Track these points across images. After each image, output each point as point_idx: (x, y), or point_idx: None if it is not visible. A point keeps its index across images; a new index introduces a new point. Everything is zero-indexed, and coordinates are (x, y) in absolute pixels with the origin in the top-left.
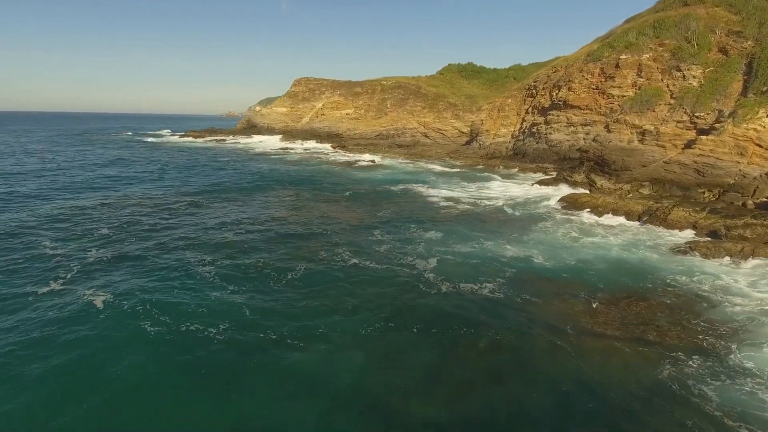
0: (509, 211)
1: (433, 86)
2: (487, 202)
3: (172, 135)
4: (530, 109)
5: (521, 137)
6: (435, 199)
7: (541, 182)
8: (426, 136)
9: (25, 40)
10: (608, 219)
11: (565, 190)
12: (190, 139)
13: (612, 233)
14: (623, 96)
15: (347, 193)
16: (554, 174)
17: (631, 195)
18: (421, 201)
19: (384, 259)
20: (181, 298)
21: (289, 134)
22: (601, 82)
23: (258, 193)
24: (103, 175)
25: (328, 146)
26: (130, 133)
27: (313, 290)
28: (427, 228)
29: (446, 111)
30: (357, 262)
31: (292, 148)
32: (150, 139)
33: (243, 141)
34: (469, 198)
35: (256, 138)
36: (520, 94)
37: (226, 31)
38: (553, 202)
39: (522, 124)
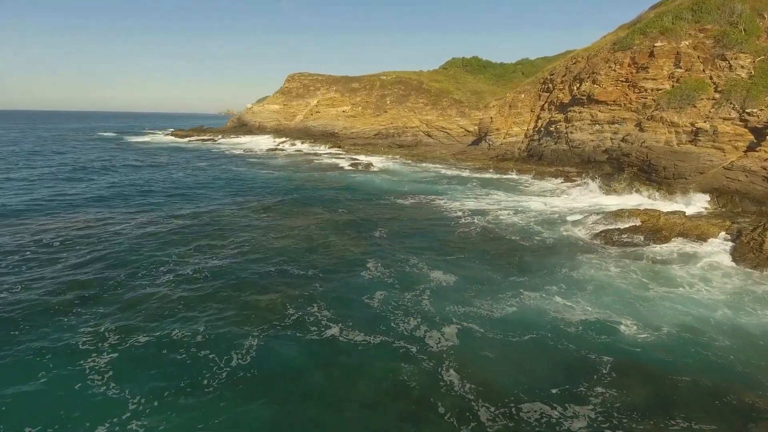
0: (541, 232)
1: (436, 81)
2: (511, 218)
3: (156, 134)
4: (546, 106)
5: (536, 137)
6: (446, 215)
7: (570, 190)
8: (429, 136)
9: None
10: (677, 246)
11: (603, 200)
12: (172, 138)
13: (699, 276)
14: (658, 89)
15: (339, 209)
16: (579, 179)
17: (689, 210)
18: (428, 216)
19: (376, 326)
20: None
21: (281, 133)
22: (631, 73)
23: (223, 210)
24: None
25: (323, 147)
26: (112, 133)
27: (261, 401)
28: (436, 262)
29: (451, 108)
30: (336, 332)
31: (282, 150)
32: (133, 139)
33: (229, 141)
34: (488, 211)
35: (245, 138)
36: (534, 89)
37: (225, 29)
38: (593, 220)
39: (537, 122)
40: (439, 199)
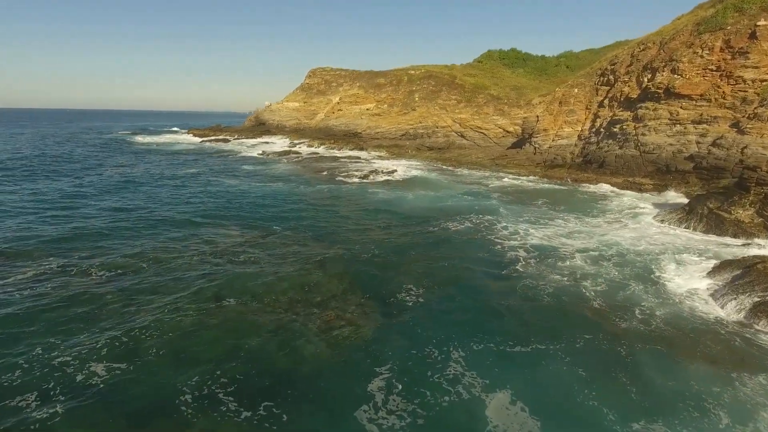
0: (650, 302)
1: (471, 76)
2: (593, 267)
3: (174, 133)
4: (607, 102)
5: (594, 139)
6: (500, 253)
7: (668, 216)
8: (462, 136)
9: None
10: None
11: (715, 235)
12: (186, 137)
13: None
14: (762, 81)
15: (355, 246)
16: (659, 194)
17: None
18: (475, 257)
19: None
20: None
21: (300, 133)
22: (724, 60)
23: (173, 247)
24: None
25: (343, 150)
26: (126, 132)
27: None
28: (493, 366)
29: (487, 105)
30: None
31: (297, 152)
32: (141, 138)
33: (241, 142)
34: (557, 250)
35: (258, 139)
36: (590, 83)
37: (251, 24)
38: (729, 279)
39: (595, 121)
40: (488, 225)
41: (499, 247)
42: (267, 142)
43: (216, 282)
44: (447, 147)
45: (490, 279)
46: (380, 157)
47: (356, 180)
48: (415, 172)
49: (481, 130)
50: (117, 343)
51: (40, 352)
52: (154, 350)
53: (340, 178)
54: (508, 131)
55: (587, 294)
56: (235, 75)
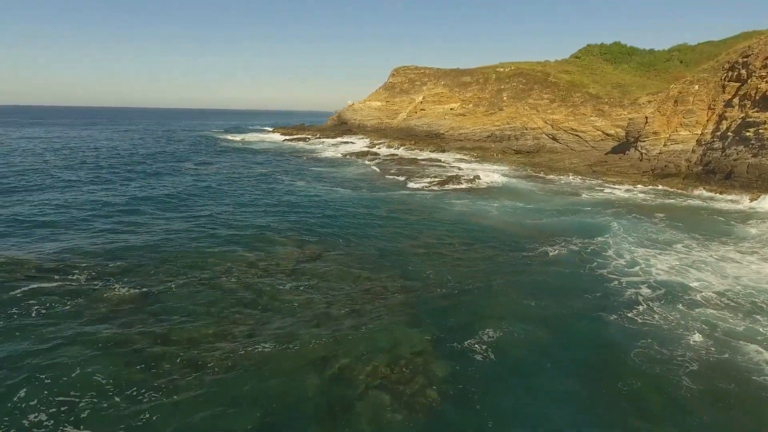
0: None
1: (566, 73)
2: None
3: (259, 131)
4: (737, 101)
5: (718, 144)
6: (616, 293)
7: None
8: (554, 139)
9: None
10: None
11: None
12: (270, 137)
13: None
14: None
15: (425, 272)
16: None
17: None
18: (585, 301)
19: None
20: None
21: (381, 133)
22: None
23: (211, 253)
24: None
25: (424, 152)
26: (217, 131)
27: None
28: None
29: (584, 105)
30: None
31: (375, 153)
32: (229, 136)
33: (321, 141)
34: (698, 294)
35: (337, 139)
36: (715, 78)
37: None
38: None
39: (720, 123)
40: (595, 250)
41: (612, 282)
42: (346, 142)
43: (248, 323)
44: (536, 150)
45: (600, 329)
46: (462, 160)
47: (434, 187)
48: (500, 179)
49: (576, 133)
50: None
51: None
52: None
53: (417, 184)
54: (607, 134)
55: (746, 372)
56: (321, 74)
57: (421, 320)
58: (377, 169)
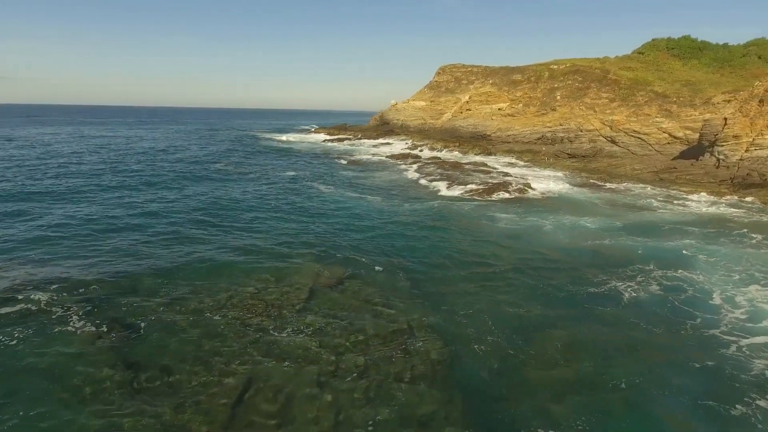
0: None
1: (628, 69)
2: None
3: (302, 131)
4: None
5: None
6: (719, 360)
7: None
8: (613, 142)
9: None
10: None
11: None
12: (310, 137)
13: None
14: None
15: (457, 313)
16: None
17: None
18: (674, 363)
19: None
20: None
21: (425, 134)
22: None
23: (224, 288)
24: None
25: (469, 156)
26: (261, 130)
27: None
28: None
29: (649, 105)
30: None
31: (415, 157)
32: (266, 135)
33: (361, 141)
34: None
35: (381, 139)
36: None
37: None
38: None
39: None
40: (680, 287)
41: (729, 348)
42: (387, 143)
43: (243, 369)
44: (593, 155)
45: (696, 411)
46: (510, 164)
47: (478, 196)
48: (553, 187)
49: (639, 135)
50: None
51: None
52: None
53: (458, 192)
54: (675, 137)
55: None
56: (368, 73)
57: (452, 394)
58: (416, 174)
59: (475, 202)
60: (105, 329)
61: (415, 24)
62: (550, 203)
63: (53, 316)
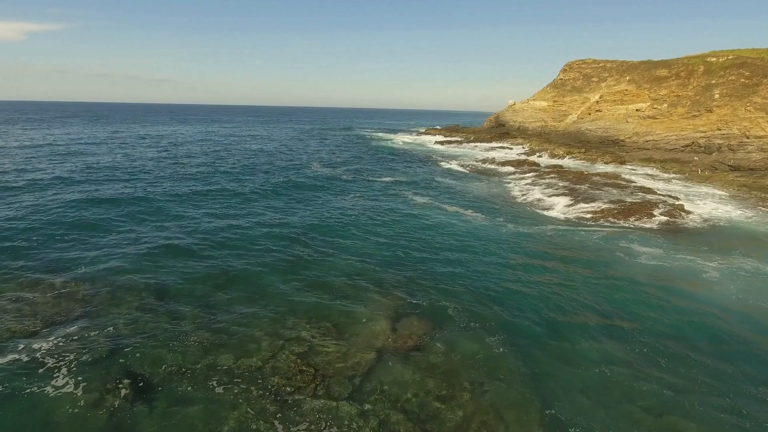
0: None
1: None
2: None
3: (407, 132)
4: None
5: None
6: None
7: None
8: None
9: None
10: None
11: None
12: (420, 138)
13: None
14: None
15: (574, 419)
16: None
17: None
18: None
19: None
20: None
21: (544, 137)
22: None
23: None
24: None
25: (597, 165)
26: (371, 129)
27: None
28: None
29: None
30: None
31: (533, 164)
32: (375, 134)
33: (474, 145)
34: None
35: (494, 143)
36: None
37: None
38: None
39: None
40: None
41: None
42: (501, 147)
43: None
44: (766, 168)
45: None
46: (650, 177)
47: (609, 220)
48: (716, 211)
49: None
50: None
51: None
52: None
53: (583, 213)
54: None
55: None
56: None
57: None
58: (531, 186)
59: (606, 228)
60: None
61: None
62: (715, 236)
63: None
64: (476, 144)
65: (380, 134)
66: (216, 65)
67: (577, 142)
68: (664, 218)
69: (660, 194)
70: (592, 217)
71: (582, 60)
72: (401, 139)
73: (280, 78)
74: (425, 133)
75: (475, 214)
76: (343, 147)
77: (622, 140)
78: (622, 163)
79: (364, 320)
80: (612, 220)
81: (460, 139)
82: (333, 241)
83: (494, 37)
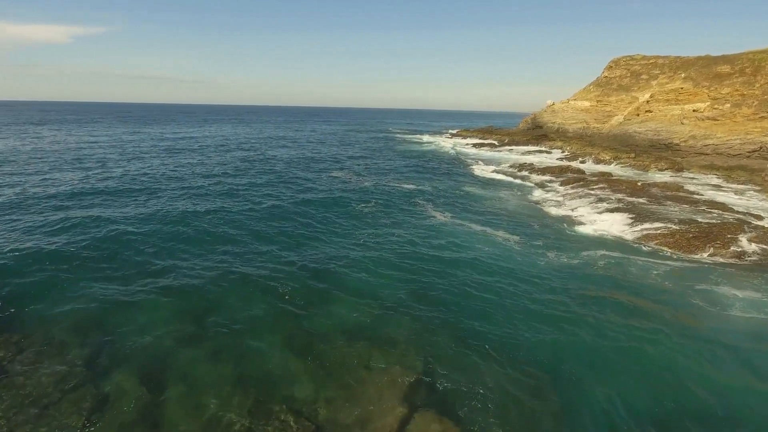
0: None
1: None
2: None
3: (437, 133)
4: None
5: None
6: None
7: None
8: None
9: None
10: None
11: None
12: (451, 141)
13: None
14: None
15: None
16: None
17: None
18: None
19: None
20: None
21: (586, 140)
22: None
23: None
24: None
25: (650, 173)
26: (400, 130)
27: None
28: None
29: None
30: None
31: (577, 171)
32: (405, 136)
33: (510, 148)
34: None
35: (531, 146)
36: None
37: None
38: None
39: None
40: None
41: None
42: (538, 151)
43: None
44: None
45: None
46: (716, 188)
47: (681, 248)
48: None
49: None
50: None
51: None
52: None
53: (638, 235)
54: None
55: None
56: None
57: None
58: (576, 200)
59: (674, 261)
60: None
61: (584, 8)
62: None
63: None
64: (512, 147)
65: (409, 135)
66: (256, 67)
67: (624, 145)
68: (753, 246)
69: (739, 211)
70: (657, 243)
71: (630, 56)
72: (431, 141)
73: (315, 78)
74: (457, 135)
75: (508, 236)
76: (368, 150)
77: (676, 144)
78: (680, 170)
79: (368, 400)
80: (684, 246)
81: (494, 142)
82: (323, 282)
83: (527, 37)
